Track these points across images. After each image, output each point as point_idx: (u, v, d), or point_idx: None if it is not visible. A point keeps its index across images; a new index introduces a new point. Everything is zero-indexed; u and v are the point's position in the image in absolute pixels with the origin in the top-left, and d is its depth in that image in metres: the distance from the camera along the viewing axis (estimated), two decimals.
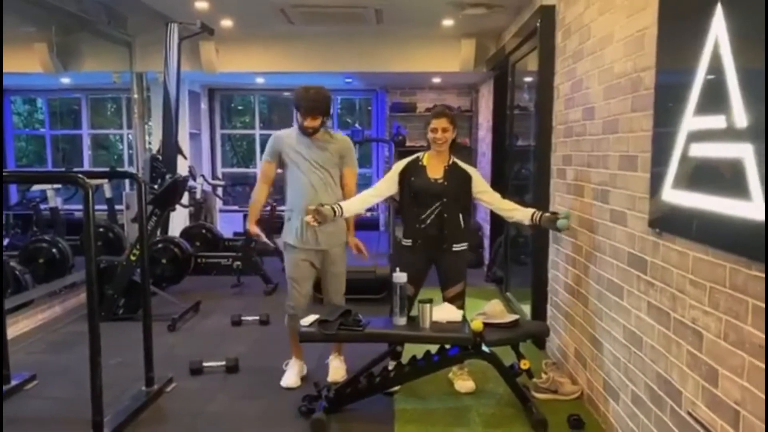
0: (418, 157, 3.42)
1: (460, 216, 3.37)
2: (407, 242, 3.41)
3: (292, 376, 3.54)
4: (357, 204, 3.40)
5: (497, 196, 3.43)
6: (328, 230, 3.41)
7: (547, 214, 3.24)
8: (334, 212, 3.22)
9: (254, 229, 3.62)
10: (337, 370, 3.57)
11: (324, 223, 3.22)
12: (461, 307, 3.36)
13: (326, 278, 3.55)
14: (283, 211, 3.63)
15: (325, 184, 3.42)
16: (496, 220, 5.94)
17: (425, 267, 3.43)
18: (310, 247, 3.44)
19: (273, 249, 4.25)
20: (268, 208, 6.63)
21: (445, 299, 3.40)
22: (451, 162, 3.39)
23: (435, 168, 3.36)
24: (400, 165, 3.42)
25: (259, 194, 3.60)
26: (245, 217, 6.82)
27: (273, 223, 5.82)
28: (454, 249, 3.36)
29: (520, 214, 3.32)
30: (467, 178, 3.37)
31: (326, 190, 3.41)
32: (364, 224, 7.95)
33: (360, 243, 3.58)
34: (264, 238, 3.77)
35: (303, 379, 3.58)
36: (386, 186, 3.43)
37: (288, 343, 3.63)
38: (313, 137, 3.41)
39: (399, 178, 3.38)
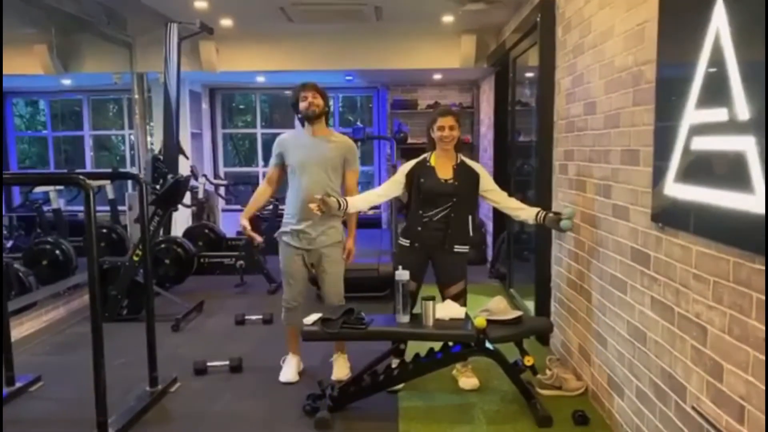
0: (425, 158, 3.40)
1: (469, 218, 3.37)
2: (405, 242, 3.41)
3: (290, 370, 3.57)
4: (361, 202, 3.39)
5: (504, 194, 3.41)
6: (321, 229, 3.40)
7: (551, 215, 3.21)
8: (339, 205, 3.21)
9: (243, 222, 3.56)
10: (340, 368, 3.58)
11: (328, 213, 3.20)
12: (463, 305, 3.35)
13: (321, 279, 3.54)
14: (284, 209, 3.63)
15: (323, 185, 3.35)
16: (499, 216, 5.93)
17: (424, 263, 3.42)
18: (302, 246, 3.43)
19: (258, 245, 4.10)
20: (270, 207, 6.63)
21: (445, 299, 3.38)
22: (459, 161, 3.37)
23: (444, 168, 3.34)
24: (406, 167, 3.40)
25: (258, 192, 3.62)
26: None
27: (275, 222, 5.79)
28: (455, 250, 3.35)
29: (525, 213, 3.31)
30: (476, 177, 3.35)
31: (323, 191, 3.34)
32: (366, 222, 7.96)
33: (352, 251, 3.55)
34: (249, 231, 3.54)
35: (300, 374, 3.61)
36: (392, 188, 3.41)
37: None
38: (315, 135, 3.41)
39: (405, 180, 3.36)
